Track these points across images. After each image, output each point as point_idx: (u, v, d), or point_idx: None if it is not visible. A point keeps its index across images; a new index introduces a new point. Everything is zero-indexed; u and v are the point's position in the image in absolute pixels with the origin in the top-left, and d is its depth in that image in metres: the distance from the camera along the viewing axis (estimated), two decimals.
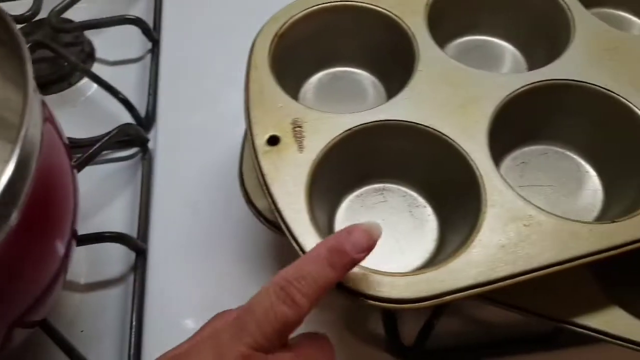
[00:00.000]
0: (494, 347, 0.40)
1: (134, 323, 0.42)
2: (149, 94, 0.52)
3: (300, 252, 0.29)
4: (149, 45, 0.56)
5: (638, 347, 0.31)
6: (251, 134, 0.32)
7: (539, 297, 0.33)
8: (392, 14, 0.37)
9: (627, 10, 0.45)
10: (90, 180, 0.50)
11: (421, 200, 0.37)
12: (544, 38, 0.39)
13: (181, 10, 0.59)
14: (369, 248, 0.26)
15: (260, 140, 0.32)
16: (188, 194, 0.47)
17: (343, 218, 0.36)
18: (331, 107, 0.40)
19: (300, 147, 0.32)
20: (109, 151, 0.51)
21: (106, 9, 0.59)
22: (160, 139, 0.50)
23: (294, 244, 0.29)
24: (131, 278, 0.44)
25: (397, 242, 0.35)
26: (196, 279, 0.44)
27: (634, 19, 0.45)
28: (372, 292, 0.28)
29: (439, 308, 0.38)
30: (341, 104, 0.41)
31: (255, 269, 0.44)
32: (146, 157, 0.49)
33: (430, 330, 0.38)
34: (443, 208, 0.35)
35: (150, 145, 0.51)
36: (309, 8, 0.38)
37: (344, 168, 0.35)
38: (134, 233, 0.46)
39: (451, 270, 0.28)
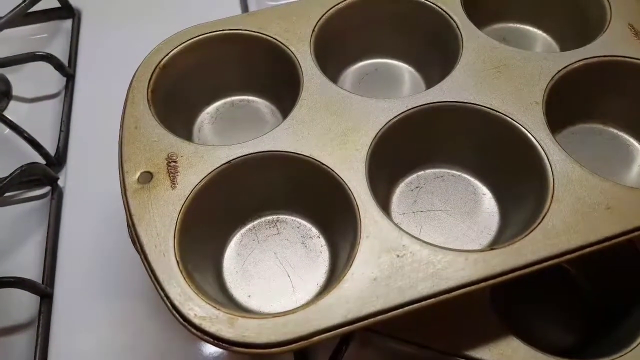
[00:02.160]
0: None
1: None
2: (61, 131, 0.51)
3: (165, 299, 0.27)
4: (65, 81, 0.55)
5: None
6: (121, 172, 0.31)
7: (433, 330, 0.32)
8: (278, 41, 0.36)
9: (531, 24, 0.44)
10: (0, 222, 0.48)
11: (315, 230, 0.35)
12: (437, 57, 0.38)
13: (98, 44, 0.58)
14: None
15: (131, 177, 0.31)
16: (96, 235, 0.45)
17: (234, 254, 0.35)
18: (229, 137, 0.40)
19: (173, 184, 0.31)
20: (21, 191, 0.50)
21: (25, 47, 0.58)
22: (70, 177, 0.49)
23: (158, 290, 0.27)
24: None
25: (289, 277, 0.34)
26: (103, 322, 0.42)
27: (538, 32, 0.44)
28: (237, 338, 0.26)
29: (341, 344, 0.36)
30: (240, 133, 0.40)
31: (163, 311, 0.42)
32: (55, 197, 0.47)
33: None
34: (333, 239, 0.34)
35: (61, 183, 0.49)
36: (193, 38, 0.37)
37: (228, 202, 0.34)
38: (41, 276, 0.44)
39: (321, 308, 0.27)
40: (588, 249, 0.28)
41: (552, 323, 0.35)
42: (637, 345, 0.30)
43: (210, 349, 0.40)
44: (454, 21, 0.37)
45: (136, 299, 0.43)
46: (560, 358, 0.30)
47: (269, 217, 0.36)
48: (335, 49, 0.39)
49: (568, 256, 0.28)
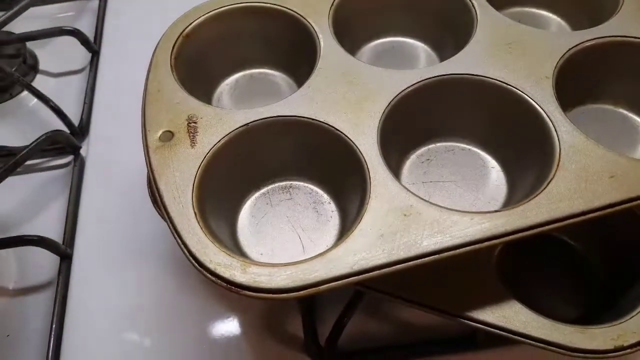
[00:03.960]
0: (415, 347, 0.39)
1: (53, 326, 0.42)
2: (84, 102, 0.53)
3: (182, 246, 0.29)
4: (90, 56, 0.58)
5: (532, 342, 0.30)
6: (144, 131, 0.32)
7: (438, 292, 0.33)
8: (298, 14, 0.38)
9: (546, 8, 0.45)
10: (26, 188, 0.50)
11: (326, 197, 0.36)
12: (452, 34, 0.39)
13: (123, 22, 0.60)
14: None
15: (153, 136, 0.32)
16: (116, 201, 0.47)
17: (248, 215, 0.36)
18: (247, 108, 0.41)
19: (193, 143, 0.32)
20: (46, 159, 0.52)
21: (52, 24, 0.60)
22: (92, 146, 0.51)
23: (176, 238, 0.29)
24: None
25: (300, 239, 0.35)
26: (119, 284, 0.44)
27: (552, 16, 0.45)
28: (249, 282, 0.27)
29: (348, 307, 0.37)
30: (257, 104, 0.40)
31: (179, 276, 0.44)
32: (77, 164, 0.49)
33: (341, 329, 0.37)
34: (344, 205, 0.35)
35: (84, 153, 0.51)
36: (215, 9, 0.38)
37: (244, 165, 0.35)
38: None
39: (329, 259, 0.28)
40: (591, 215, 0.29)
41: (555, 292, 0.36)
42: (637, 313, 0.30)
43: (226, 310, 0.41)
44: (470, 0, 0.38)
45: (153, 262, 0.44)
46: (561, 322, 0.31)
47: (283, 183, 0.37)
48: (353, 25, 0.40)
49: (571, 220, 0.28)
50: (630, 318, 0.30)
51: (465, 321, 0.31)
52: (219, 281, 0.27)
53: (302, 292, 0.27)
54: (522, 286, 0.36)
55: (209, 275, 0.27)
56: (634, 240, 0.34)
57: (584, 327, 0.31)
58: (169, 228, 0.30)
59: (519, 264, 0.37)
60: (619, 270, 0.36)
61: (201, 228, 0.29)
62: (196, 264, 0.28)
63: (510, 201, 0.35)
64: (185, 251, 0.28)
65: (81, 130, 0.51)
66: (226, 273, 0.27)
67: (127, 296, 0.43)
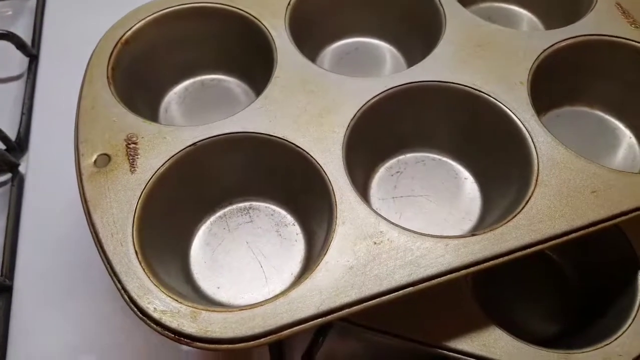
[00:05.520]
0: None
1: None
2: (22, 114, 0.48)
3: (122, 291, 0.25)
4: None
5: None
6: (77, 155, 0.28)
7: (413, 321, 0.30)
8: (250, 14, 0.34)
9: (517, 4, 0.43)
10: None
11: (290, 218, 0.33)
12: (420, 37, 0.37)
13: (64, 22, 0.54)
14: None
15: (87, 161, 0.28)
16: (59, 224, 0.43)
17: (202, 243, 0.33)
18: (199, 119, 0.37)
19: (133, 167, 0.28)
20: None
21: None
22: (32, 163, 0.46)
23: (115, 282, 0.25)
24: None
25: (262, 267, 0.32)
26: (65, 320, 0.39)
27: (524, 12, 0.43)
28: (200, 333, 0.24)
29: (317, 335, 0.34)
30: (210, 114, 0.37)
31: (125, 308, 0.40)
32: (15, 184, 0.45)
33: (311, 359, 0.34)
34: (309, 227, 0.32)
35: (23, 169, 0.46)
36: (158, 11, 0.34)
37: (195, 187, 0.31)
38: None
39: (291, 300, 0.25)
40: (573, 234, 0.26)
41: (536, 312, 0.34)
42: (621, 334, 0.29)
43: (179, 344, 0.38)
44: None
45: (102, 292, 0.40)
46: (542, 347, 0.29)
47: (241, 204, 0.34)
48: (313, 26, 0.36)
49: (553, 242, 0.26)
50: (615, 340, 0.29)
51: (444, 352, 0.29)
52: (166, 332, 0.24)
53: (262, 340, 0.24)
54: (500, 302, 0.34)
55: (154, 326, 0.24)
56: (612, 254, 0.33)
57: (568, 352, 0.29)
58: (107, 270, 0.26)
59: (495, 278, 0.35)
60: (598, 286, 0.34)
61: (143, 269, 0.25)
62: (138, 312, 0.24)
63: (486, 215, 0.33)
64: (126, 297, 0.25)
65: (19, 145, 0.46)
66: (173, 322, 0.24)
67: (73, 333, 0.39)
